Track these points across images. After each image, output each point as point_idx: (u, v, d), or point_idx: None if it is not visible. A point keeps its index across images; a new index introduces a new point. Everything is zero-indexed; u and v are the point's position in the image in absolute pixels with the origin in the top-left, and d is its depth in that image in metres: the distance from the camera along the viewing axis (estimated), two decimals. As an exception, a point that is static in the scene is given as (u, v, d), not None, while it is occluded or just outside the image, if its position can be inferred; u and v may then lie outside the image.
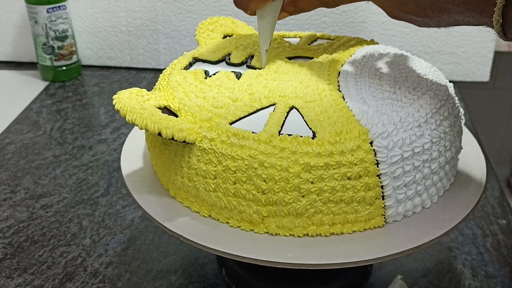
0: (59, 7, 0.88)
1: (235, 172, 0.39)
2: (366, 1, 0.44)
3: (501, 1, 0.33)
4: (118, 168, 0.70)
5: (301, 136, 0.39)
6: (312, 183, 0.38)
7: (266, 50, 0.48)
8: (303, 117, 0.41)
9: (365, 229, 0.41)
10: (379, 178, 0.39)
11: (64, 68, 0.93)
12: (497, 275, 0.54)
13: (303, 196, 0.39)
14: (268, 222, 0.40)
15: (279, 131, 0.40)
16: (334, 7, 0.45)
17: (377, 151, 0.39)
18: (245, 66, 0.49)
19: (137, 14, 0.94)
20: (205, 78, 0.47)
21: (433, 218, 0.42)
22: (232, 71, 0.47)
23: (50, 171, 0.70)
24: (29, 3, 0.88)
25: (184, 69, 0.49)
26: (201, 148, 0.40)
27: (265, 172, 0.38)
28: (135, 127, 0.54)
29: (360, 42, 0.54)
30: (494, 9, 0.33)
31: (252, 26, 0.60)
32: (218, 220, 0.42)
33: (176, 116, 0.42)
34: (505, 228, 0.61)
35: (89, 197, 0.65)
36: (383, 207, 0.41)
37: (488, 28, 0.36)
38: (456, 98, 0.47)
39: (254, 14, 0.47)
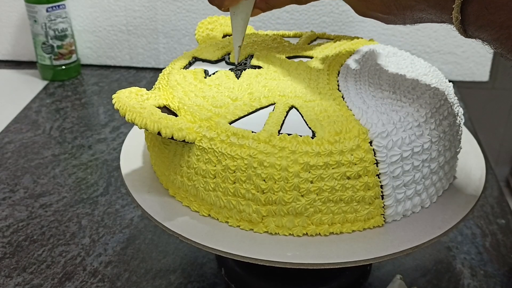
0: (58, 6, 0.88)
1: (234, 172, 0.39)
2: None
3: None
4: (118, 167, 0.70)
5: (301, 136, 0.39)
6: (311, 182, 0.38)
7: (239, 46, 0.48)
8: (302, 117, 0.41)
9: (364, 229, 0.41)
10: (379, 177, 0.39)
11: (63, 67, 0.93)
12: (496, 275, 0.54)
13: (302, 196, 0.39)
14: (267, 222, 0.40)
15: (279, 131, 0.40)
16: (305, 3, 0.46)
17: (376, 150, 0.39)
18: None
19: (136, 13, 0.94)
20: (205, 78, 0.47)
21: (433, 217, 0.42)
22: (231, 71, 0.47)
23: (50, 170, 0.70)
24: (28, 2, 0.88)
25: (183, 69, 0.49)
26: (200, 147, 0.40)
27: (264, 171, 0.38)
28: (135, 127, 0.54)
29: (360, 41, 0.54)
30: (453, 6, 0.34)
31: (252, 26, 0.60)
32: (217, 219, 0.42)
33: (176, 115, 0.42)
34: (504, 227, 0.61)
35: (89, 197, 0.65)
36: (383, 207, 0.41)
37: (450, 25, 0.36)
38: (456, 97, 0.47)
39: (227, 10, 0.48)
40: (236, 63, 0.49)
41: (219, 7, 0.47)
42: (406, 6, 0.37)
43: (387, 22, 0.41)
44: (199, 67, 0.49)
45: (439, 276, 0.54)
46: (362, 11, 0.42)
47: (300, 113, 0.42)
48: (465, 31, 0.35)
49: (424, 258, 0.56)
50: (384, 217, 0.41)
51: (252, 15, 0.48)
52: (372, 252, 0.39)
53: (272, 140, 0.39)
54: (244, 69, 0.48)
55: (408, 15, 0.38)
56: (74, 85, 0.93)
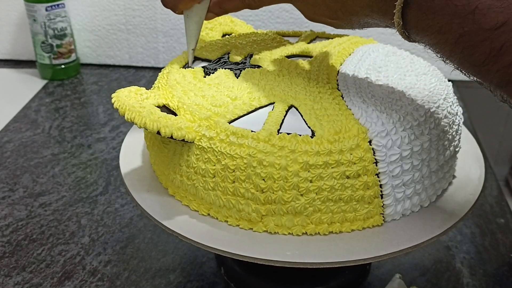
0: (57, 5, 0.88)
1: (234, 171, 0.39)
2: None
3: (400, 3, 0.34)
4: (117, 167, 0.70)
5: (300, 135, 0.39)
6: (311, 181, 0.38)
7: (193, 49, 0.49)
8: (302, 116, 0.41)
9: (363, 228, 0.41)
10: (378, 177, 0.39)
11: (62, 66, 0.93)
12: (495, 274, 0.54)
13: (302, 195, 0.39)
14: (267, 221, 0.40)
15: (278, 130, 0.40)
16: (257, 8, 0.47)
17: (376, 150, 0.39)
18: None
19: (135, 12, 0.94)
20: (204, 77, 0.47)
21: (432, 217, 0.42)
22: (231, 70, 0.47)
23: (49, 169, 0.70)
24: (27, 1, 0.88)
25: (183, 68, 0.49)
26: (200, 146, 0.40)
27: (264, 170, 0.38)
28: (134, 126, 0.53)
29: (359, 41, 0.54)
30: (394, 11, 0.35)
31: (251, 25, 0.60)
32: (217, 218, 0.42)
33: (175, 114, 0.42)
34: (504, 227, 0.61)
35: (88, 196, 0.65)
36: (382, 206, 0.41)
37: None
38: (455, 97, 0.47)
39: (182, 13, 0.48)
40: (190, 66, 0.49)
41: (173, 10, 0.48)
42: (351, 11, 0.38)
43: (335, 26, 0.42)
44: (198, 66, 0.49)
45: (438, 275, 0.54)
46: (311, 17, 0.43)
47: (299, 112, 0.42)
48: (408, 36, 0.36)
49: (424, 257, 0.56)
50: (383, 216, 0.41)
51: (206, 19, 0.49)
52: (371, 251, 0.39)
53: (272, 139, 0.39)
54: (244, 68, 0.48)
55: (354, 20, 0.39)
56: (74, 84, 0.93)
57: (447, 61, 0.35)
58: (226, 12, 0.49)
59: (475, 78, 0.34)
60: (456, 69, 0.35)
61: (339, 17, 0.40)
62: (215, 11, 0.49)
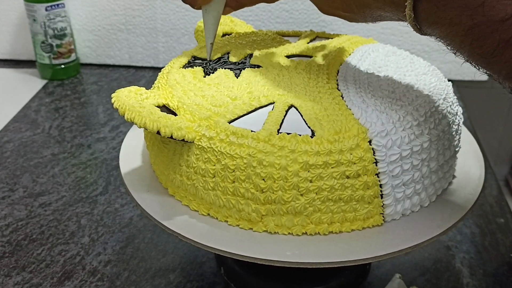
0: (57, 5, 0.88)
1: (234, 171, 0.39)
2: None
3: None
4: (117, 167, 0.70)
5: (300, 135, 0.39)
6: (311, 181, 0.38)
7: (211, 43, 0.50)
8: (302, 116, 0.41)
9: (363, 228, 0.41)
10: (378, 176, 0.39)
11: (62, 66, 0.93)
12: (495, 274, 0.54)
13: (301, 195, 0.39)
14: (266, 221, 0.40)
15: (278, 130, 0.40)
16: (274, 2, 0.47)
17: (375, 149, 0.39)
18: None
19: (135, 12, 0.94)
20: (204, 77, 0.47)
21: (432, 217, 0.42)
22: (231, 70, 0.47)
23: (49, 169, 0.70)
24: (27, 1, 0.87)
25: (183, 68, 0.49)
26: (199, 146, 0.40)
27: (264, 170, 0.38)
28: (134, 126, 0.53)
29: (359, 41, 0.54)
30: (406, 3, 0.35)
31: (251, 25, 0.60)
32: (216, 218, 0.42)
33: (175, 114, 0.42)
34: (503, 227, 0.61)
35: (88, 196, 0.65)
36: (382, 206, 0.41)
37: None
38: (455, 97, 0.47)
39: (200, 8, 0.49)
40: (208, 59, 0.50)
41: (192, 6, 0.48)
42: (364, 4, 0.39)
43: (349, 20, 0.43)
44: (198, 66, 0.49)
45: (438, 275, 0.54)
46: (325, 10, 0.43)
47: (299, 112, 0.42)
48: (420, 28, 0.36)
49: (423, 257, 0.56)
50: (383, 216, 0.41)
51: (223, 14, 0.50)
52: (371, 251, 0.39)
53: (272, 139, 0.39)
54: (244, 68, 0.48)
55: (367, 13, 0.40)
56: (73, 84, 0.93)
57: (457, 54, 0.35)
58: (243, 6, 0.50)
59: (484, 70, 0.34)
60: (466, 62, 0.35)
61: (353, 10, 0.40)
62: (232, 5, 0.49)
